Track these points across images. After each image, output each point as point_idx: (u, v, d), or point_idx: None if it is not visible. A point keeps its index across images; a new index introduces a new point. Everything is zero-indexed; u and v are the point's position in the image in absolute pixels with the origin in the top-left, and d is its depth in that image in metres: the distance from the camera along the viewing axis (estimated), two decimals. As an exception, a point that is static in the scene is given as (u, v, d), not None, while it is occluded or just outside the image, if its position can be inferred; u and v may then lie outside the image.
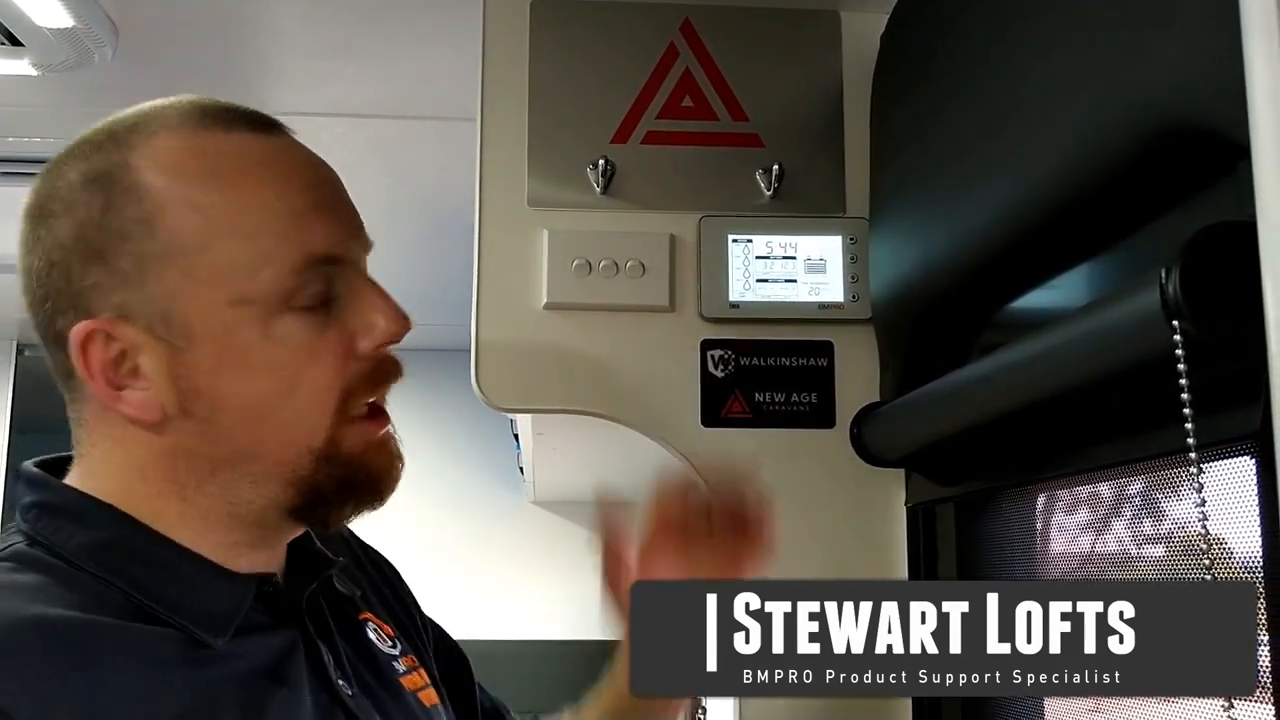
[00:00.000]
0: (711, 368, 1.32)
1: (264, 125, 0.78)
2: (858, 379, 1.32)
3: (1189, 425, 0.65)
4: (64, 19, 1.35)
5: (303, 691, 0.76)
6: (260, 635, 0.76)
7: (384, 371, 0.78)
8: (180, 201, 0.73)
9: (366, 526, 0.91)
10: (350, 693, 0.79)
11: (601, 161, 1.32)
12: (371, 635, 0.87)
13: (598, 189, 1.33)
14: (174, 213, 0.73)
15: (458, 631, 1.04)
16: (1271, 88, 0.56)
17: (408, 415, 0.86)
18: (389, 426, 0.80)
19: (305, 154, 0.79)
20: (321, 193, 0.77)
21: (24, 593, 0.70)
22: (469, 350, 1.30)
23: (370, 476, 0.78)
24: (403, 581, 0.99)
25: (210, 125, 0.76)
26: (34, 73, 1.48)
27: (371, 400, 0.79)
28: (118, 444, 0.76)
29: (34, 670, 0.65)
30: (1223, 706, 0.62)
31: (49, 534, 0.74)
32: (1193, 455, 0.65)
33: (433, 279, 2.23)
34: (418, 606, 0.99)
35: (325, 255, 0.75)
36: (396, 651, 0.89)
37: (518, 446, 2.85)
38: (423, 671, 0.90)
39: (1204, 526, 0.64)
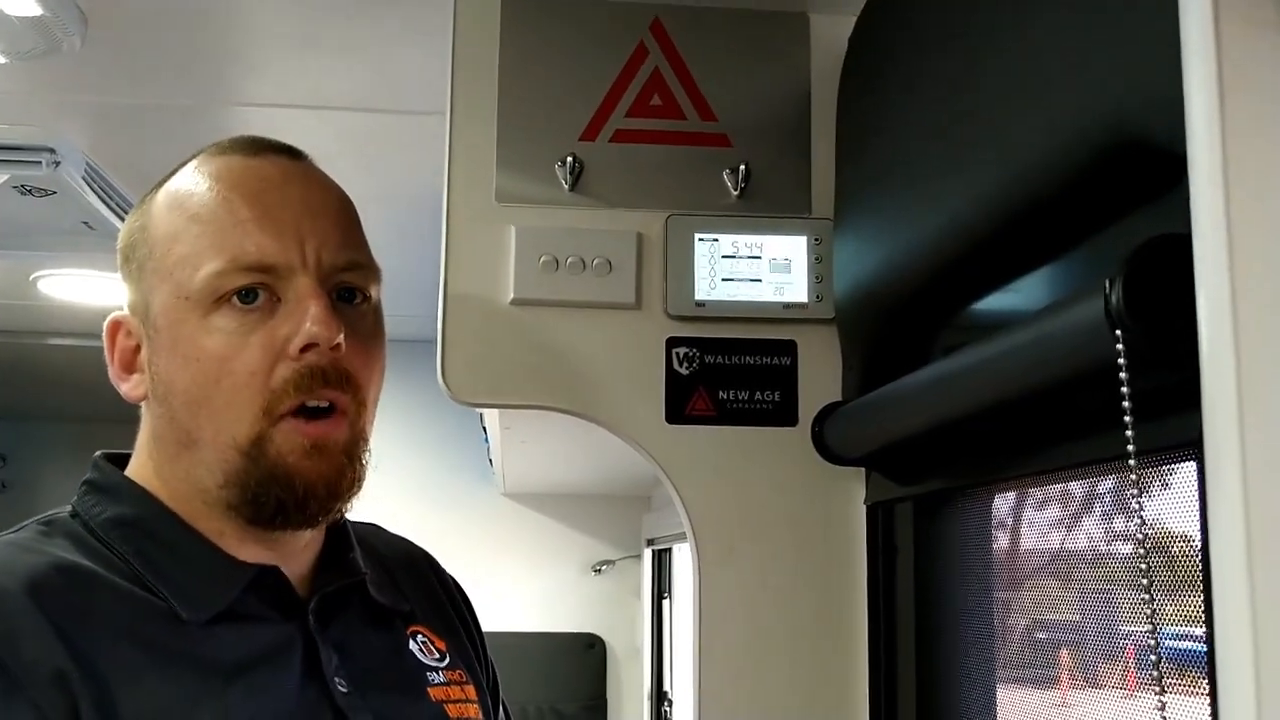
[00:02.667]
0: (676, 365, 1.34)
1: (262, 150, 0.85)
2: (820, 378, 1.34)
3: (1129, 432, 0.67)
4: (32, 7, 1.34)
5: (286, 682, 0.80)
6: (256, 625, 0.82)
7: (315, 375, 0.80)
8: (162, 209, 0.85)
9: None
10: (344, 690, 0.82)
11: (570, 158, 1.33)
12: (415, 646, 0.92)
13: (566, 186, 1.33)
14: (157, 219, 0.84)
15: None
16: (1208, 107, 0.58)
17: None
18: (331, 434, 0.81)
19: (284, 174, 0.84)
20: (273, 207, 0.82)
21: (39, 552, 0.79)
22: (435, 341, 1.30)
23: (292, 480, 0.80)
24: (474, 615, 1.04)
25: (217, 152, 0.85)
26: (1, 60, 1.47)
27: (311, 405, 0.81)
28: (141, 429, 0.87)
29: (51, 599, 0.74)
30: (1157, 706, 0.64)
31: (87, 507, 0.84)
32: (1132, 462, 0.67)
33: (400, 270, 2.22)
34: (483, 643, 1.03)
35: (256, 262, 0.80)
36: (441, 665, 0.92)
37: (486, 439, 2.85)
38: (469, 689, 0.93)
39: (1141, 531, 0.66)
